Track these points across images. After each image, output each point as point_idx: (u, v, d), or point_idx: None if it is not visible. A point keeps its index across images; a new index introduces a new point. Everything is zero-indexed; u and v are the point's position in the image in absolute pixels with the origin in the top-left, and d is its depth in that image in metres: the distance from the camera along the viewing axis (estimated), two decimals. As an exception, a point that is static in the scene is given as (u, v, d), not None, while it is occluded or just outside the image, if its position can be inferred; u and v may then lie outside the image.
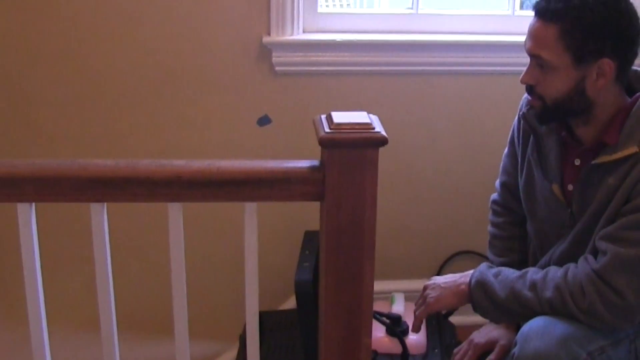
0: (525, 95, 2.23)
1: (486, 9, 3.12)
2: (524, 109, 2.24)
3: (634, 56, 2.05)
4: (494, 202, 2.51)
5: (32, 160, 1.63)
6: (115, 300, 1.75)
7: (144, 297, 3.01)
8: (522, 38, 2.83)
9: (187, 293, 1.73)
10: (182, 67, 2.86)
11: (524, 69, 2.10)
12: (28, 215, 1.64)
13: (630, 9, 2.01)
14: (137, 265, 3.02)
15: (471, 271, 2.21)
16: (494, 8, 3.14)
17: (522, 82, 2.10)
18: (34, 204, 1.65)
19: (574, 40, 1.97)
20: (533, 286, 2.06)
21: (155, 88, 2.86)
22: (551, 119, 2.14)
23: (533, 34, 2.05)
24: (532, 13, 2.09)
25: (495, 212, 2.50)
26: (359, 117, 1.59)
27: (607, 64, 1.99)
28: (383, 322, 2.46)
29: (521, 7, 3.22)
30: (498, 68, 2.99)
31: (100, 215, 1.66)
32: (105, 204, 1.66)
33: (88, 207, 1.65)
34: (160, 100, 2.88)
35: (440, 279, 2.27)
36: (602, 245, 2.01)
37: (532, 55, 2.06)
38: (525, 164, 2.28)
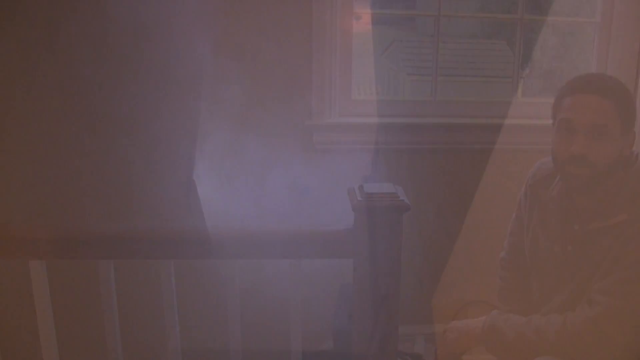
0: (532, 170, 2.22)
1: (493, 97, 3.11)
2: (530, 181, 2.23)
3: None
4: (503, 259, 2.48)
5: (111, 223, 1.65)
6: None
7: (206, 337, 3.00)
8: (525, 121, 2.82)
9: (242, 334, 1.73)
10: (243, 146, 2.88)
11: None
12: (108, 272, 1.65)
13: None
14: (200, 311, 3.01)
15: (484, 317, 2.19)
16: (500, 96, 3.15)
17: (576, 153, 1.95)
18: (112, 262, 1.66)
19: (625, 111, 1.96)
20: (537, 330, 2.04)
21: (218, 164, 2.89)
22: (598, 184, 2.01)
23: (593, 108, 1.94)
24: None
25: (503, 268, 2.47)
26: (386, 187, 1.59)
27: (633, 135, 2.00)
28: (407, 361, 2.44)
29: (523, 95, 3.22)
30: (504, 146, 2.97)
31: (168, 271, 1.66)
32: (172, 260, 1.67)
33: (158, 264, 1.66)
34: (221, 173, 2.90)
35: (458, 324, 2.26)
36: (596, 296, 1.98)
37: (593, 126, 1.94)
38: (531, 226, 2.26)
